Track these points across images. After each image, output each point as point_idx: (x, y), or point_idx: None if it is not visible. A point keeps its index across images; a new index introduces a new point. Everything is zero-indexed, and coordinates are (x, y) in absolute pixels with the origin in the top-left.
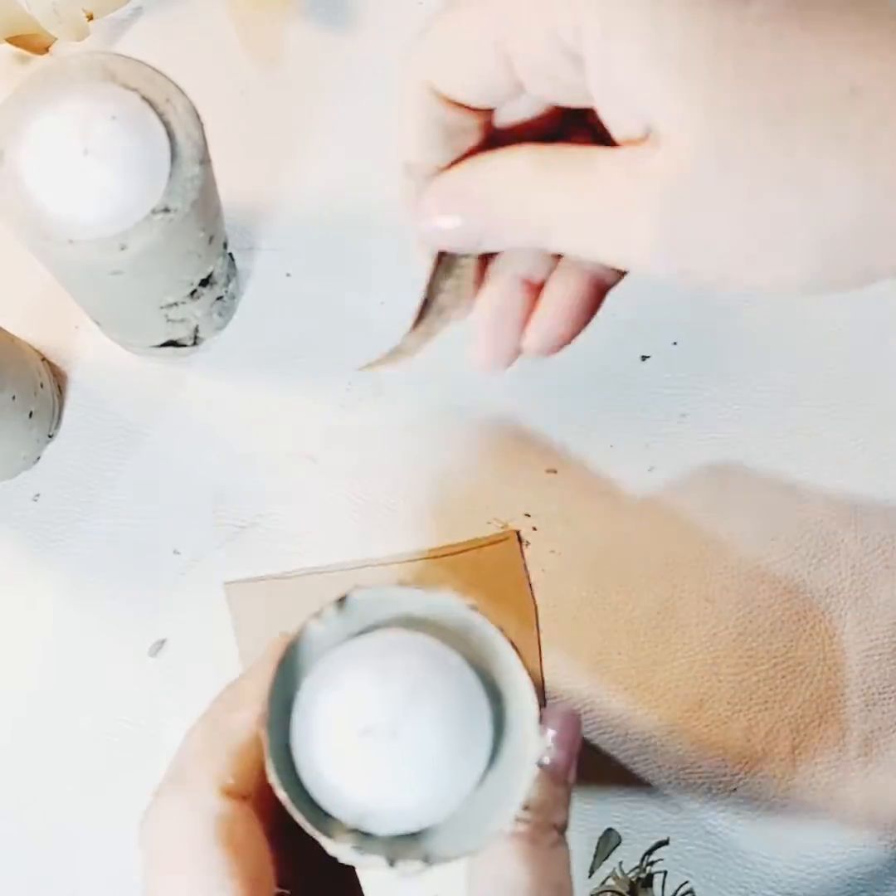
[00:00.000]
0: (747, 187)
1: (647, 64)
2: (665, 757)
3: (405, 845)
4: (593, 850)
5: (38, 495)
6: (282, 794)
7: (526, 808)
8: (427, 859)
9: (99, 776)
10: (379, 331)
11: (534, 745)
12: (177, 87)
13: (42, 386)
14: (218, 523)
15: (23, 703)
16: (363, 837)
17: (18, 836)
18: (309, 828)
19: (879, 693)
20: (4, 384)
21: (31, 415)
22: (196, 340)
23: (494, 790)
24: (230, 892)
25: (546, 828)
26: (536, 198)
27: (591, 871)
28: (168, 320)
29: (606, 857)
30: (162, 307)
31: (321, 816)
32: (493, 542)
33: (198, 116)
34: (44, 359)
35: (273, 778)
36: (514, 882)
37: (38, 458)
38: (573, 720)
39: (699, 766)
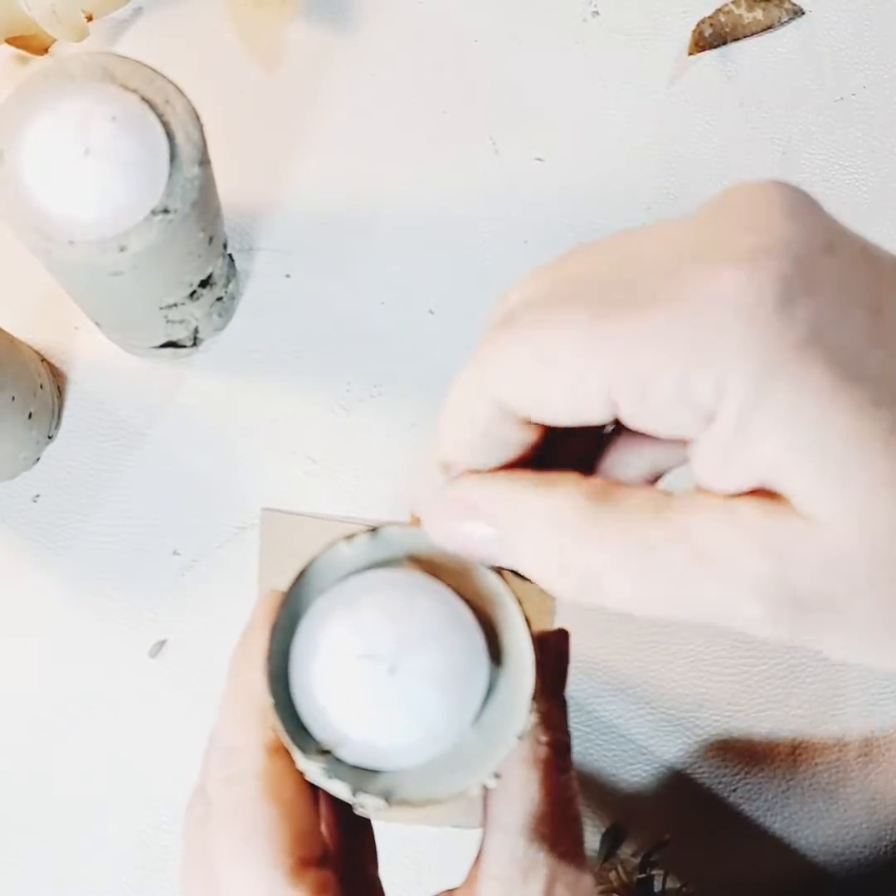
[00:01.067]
0: None
1: (798, 449)
2: (665, 757)
3: (374, 781)
4: (594, 851)
5: (37, 496)
6: (267, 698)
7: (541, 726)
8: (388, 798)
9: (98, 776)
10: (379, 331)
11: (520, 722)
12: (176, 87)
13: (42, 387)
14: (218, 523)
15: (23, 703)
16: (336, 763)
17: (18, 836)
18: (284, 737)
19: (879, 693)
20: (4, 385)
21: (30, 415)
22: (196, 341)
23: (472, 750)
24: (278, 843)
25: (562, 749)
26: (584, 551)
27: (591, 871)
28: (168, 321)
29: (606, 858)
30: (161, 308)
31: (302, 733)
32: None
33: (197, 117)
34: (43, 359)
35: (263, 682)
36: (534, 813)
37: (38, 459)
38: (563, 635)
39: (699, 767)
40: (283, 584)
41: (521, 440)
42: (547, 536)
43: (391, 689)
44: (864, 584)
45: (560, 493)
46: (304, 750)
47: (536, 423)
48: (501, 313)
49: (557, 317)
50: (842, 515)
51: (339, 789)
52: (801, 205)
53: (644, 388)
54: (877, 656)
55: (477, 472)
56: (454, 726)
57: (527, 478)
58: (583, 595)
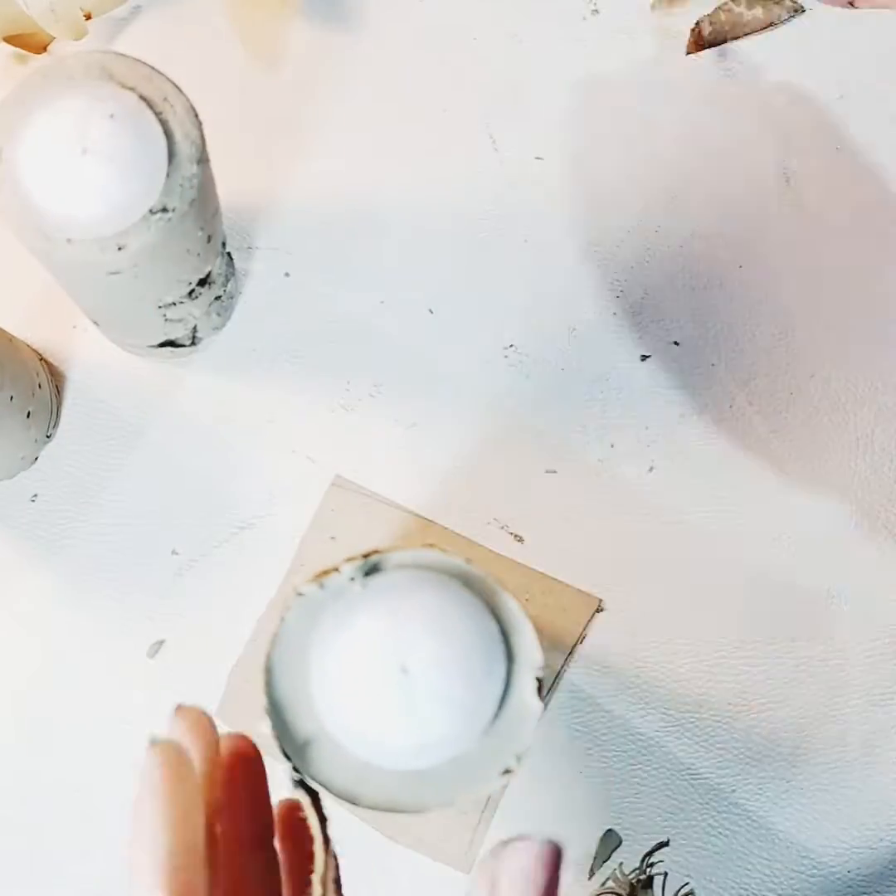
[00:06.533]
0: None
1: None
2: (665, 757)
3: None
4: (593, 852)
5: (36, 496)
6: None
7: None
8: (301, 775)
9: (98, 776)
10: (379, 331)
11: (471, 795)
12: (175, 86)
13: (40, 386)
14: (217, 523)
15: (22, 704)
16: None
17: (16, 836)
18: (261, 682)
19: (880, 693)
20: (2, 384)
21: (28, 415)
22: (194, 340)
23: (420, 779)
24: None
25: None
26: None
27: (592, 873)
28: (166, 320)
29: (607, 859)
30: (160, 307)
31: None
32: (577, 591)
33: (196, 116)
34: (42, 359)
35: (281, 612)
36: None
37: (37, 459)
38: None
39: (699, 767)
40: (321, 555)
41: None
42: None
43: (397, 693)
44: None
45: None
46: (273, 704)
47: None
48: None
49: None
50: None
51: (275, 750)
52: None
53: None
54: None
55: None
56: (423, 759)
57: None
58: None
